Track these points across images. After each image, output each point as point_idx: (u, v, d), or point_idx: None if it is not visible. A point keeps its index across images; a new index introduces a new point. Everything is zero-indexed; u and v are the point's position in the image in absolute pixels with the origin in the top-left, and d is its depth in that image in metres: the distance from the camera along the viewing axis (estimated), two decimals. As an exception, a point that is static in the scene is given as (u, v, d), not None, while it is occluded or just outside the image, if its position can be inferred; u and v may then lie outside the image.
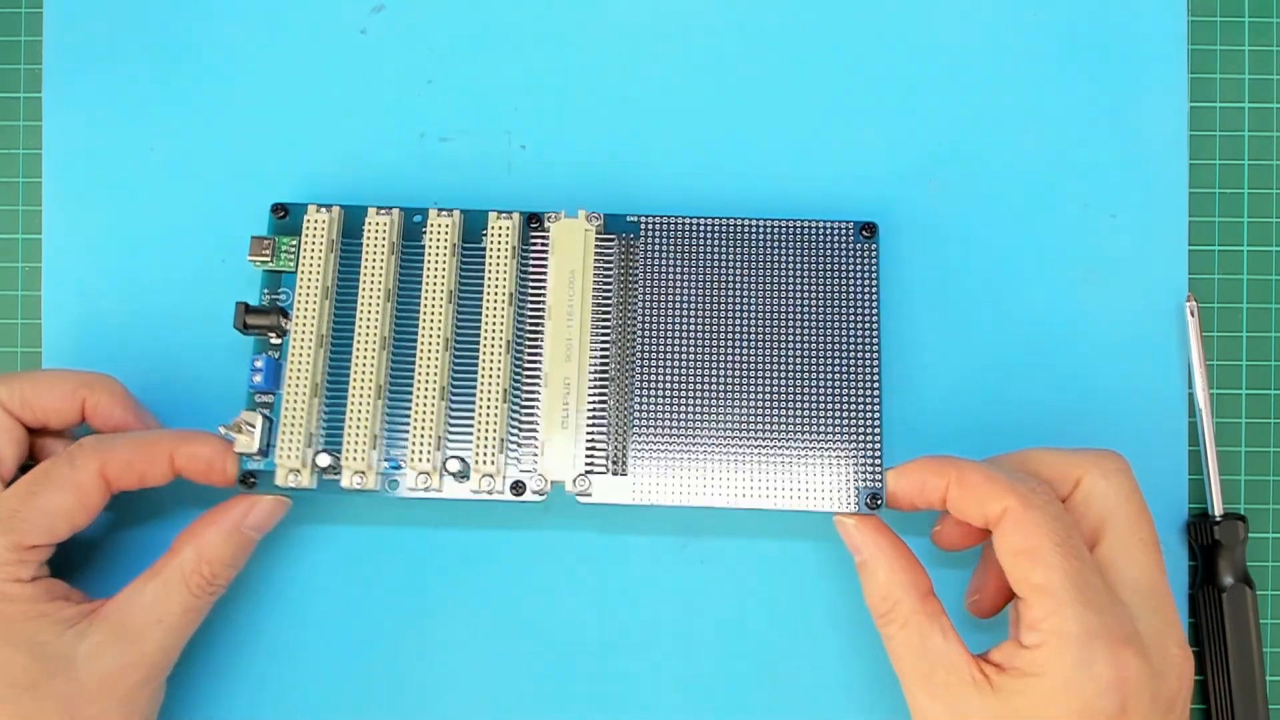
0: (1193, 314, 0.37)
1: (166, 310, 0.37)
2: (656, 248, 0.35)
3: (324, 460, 0.33)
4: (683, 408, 0.34)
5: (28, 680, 0.29)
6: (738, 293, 0.35)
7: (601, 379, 0.34)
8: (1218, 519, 0.36)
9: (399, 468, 0.33)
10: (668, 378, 0.34)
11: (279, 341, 0.34)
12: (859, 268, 0.35)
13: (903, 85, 0.38)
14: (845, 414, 0.34)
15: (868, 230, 0.35)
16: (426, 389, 0.33)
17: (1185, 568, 0.37)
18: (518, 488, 0.33)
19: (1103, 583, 0.29)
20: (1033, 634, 0.28)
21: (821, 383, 0.34)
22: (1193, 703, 0.37)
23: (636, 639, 0.36)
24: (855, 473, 0.33)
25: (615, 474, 0.34)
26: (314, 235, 0.34)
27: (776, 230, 0.35)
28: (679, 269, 0.35)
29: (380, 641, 0.36)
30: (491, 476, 0.33)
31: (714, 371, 0.34)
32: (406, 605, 0.36)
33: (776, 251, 0.35)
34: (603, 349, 0.34)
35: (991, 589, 0.33)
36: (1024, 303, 0.37)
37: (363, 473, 0.33)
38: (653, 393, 0.34)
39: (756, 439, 0.34)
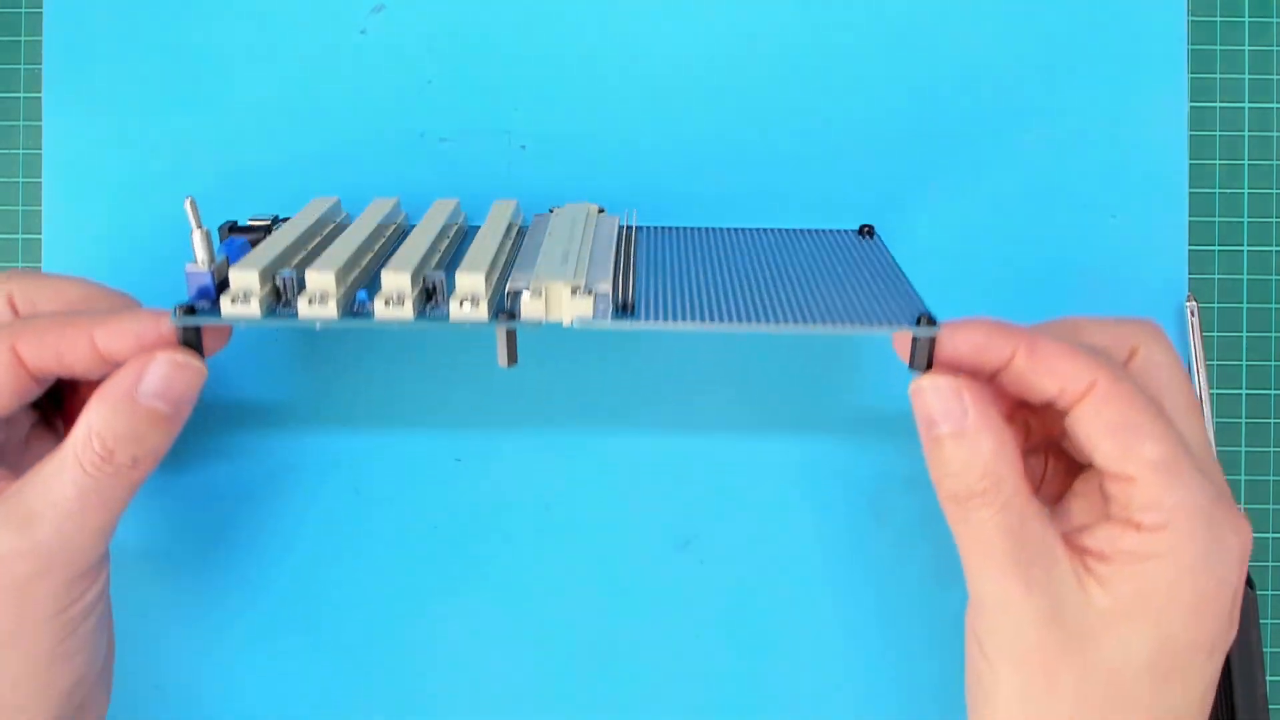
0: (1193, 314, 0.37)
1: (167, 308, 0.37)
2: (655, 249, 0.35)
3: (286, 277, 0.28)
4: (692, 264, 0.31)
5: None
6: (741, 267, 0.31)
7: (604, 243, 0.31)
8: (1218, 519, 0.36)
9: (369, 299, 0.28)
10: (674, 255, 0.32)
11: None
12: (869, 253, 0.33)
13: (903, 85, 0.38)
14: (870, 274, 0.30)
15: (866, 230, 0.35)
16: (422, 233, 0.30)
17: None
18: (506, 314, 0.28)
19: (1194, 452, 0.26)
20: (1153, 513, 0.25)
21: (842, 261, 0.31)
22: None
23: (637, 639, 0.36)
24: (894, 300, 0.29)
25: (619, 309, 0.28)
26: (314, 204, 0.33)
27: (776, 237, 0.35)
28: (681, 257, 0.33)
29: (380, 641, 0.36)
30: (476, 299, 0.28)
31: (724, 251, 0.32)
32: (406, 605, 0.37)
33: (777, 253, 0.34)
34: (607, 238, 0.32)
35: (1052, 480, 0.31)
36: (1024, 303, 0.37)
37: (324, 295, 0.28)
38: (660, 256, 0.31)
39: (777, 276, 0.30)
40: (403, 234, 0.34)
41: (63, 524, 0.28)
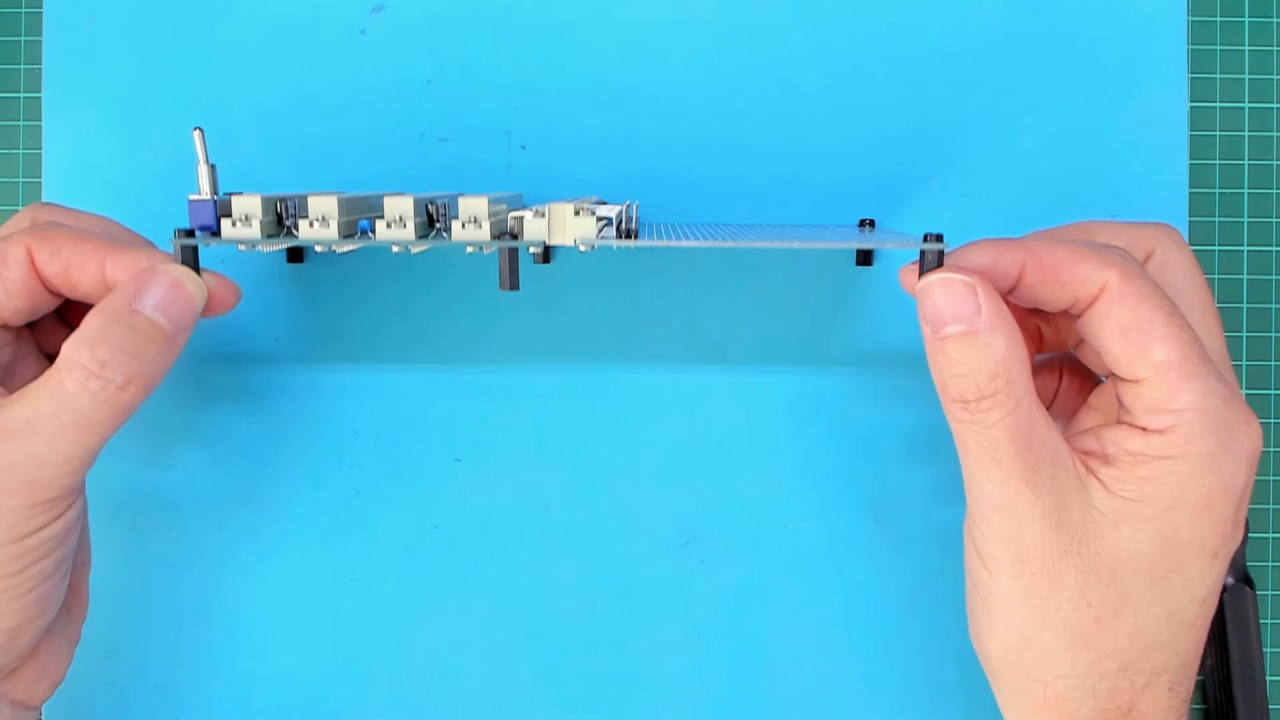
0: (1193, 314, 0.37)
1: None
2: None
3: (289, 202, 0.27)
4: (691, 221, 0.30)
5: None
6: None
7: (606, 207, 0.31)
8: (1218, 519, 0.36)
9: (370, 227, 0.28)
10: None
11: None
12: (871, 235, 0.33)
13: (903, 86, 0.38)
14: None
15: (868, 225, 0.35)
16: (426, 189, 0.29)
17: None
18: (508, 235, 0.27)
19: (1208, 353, 0.26)
20: (1161, 415, 0.25)
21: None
22: (1193, 703, 0.37)
23: (637, 639, 0.36)
24: (898, 234, 0.28)
25: (623, 235, 0.28)
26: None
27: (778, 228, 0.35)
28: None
29: (380, 641, 0.36)
30: (478, 220, 0.27)
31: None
32: (406, 605, 0.37)
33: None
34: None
35: (1068, 394, 0.30)
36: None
37: (326, 218, 0.27)
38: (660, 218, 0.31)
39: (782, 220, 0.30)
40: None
41: (33, 442, 0.26)
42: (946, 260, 0.27)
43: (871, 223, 0.35)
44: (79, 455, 0.27)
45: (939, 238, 0.27)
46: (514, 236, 0.27)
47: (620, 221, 0.28)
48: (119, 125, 0.38)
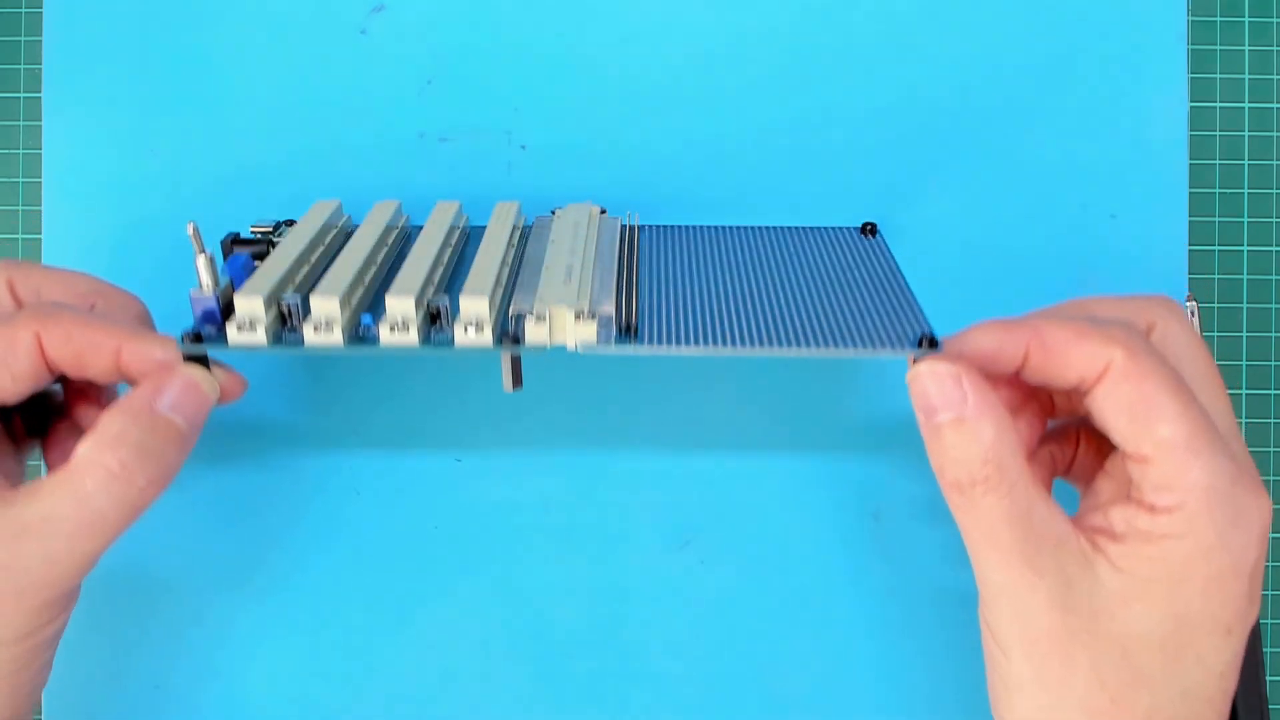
0: (1193, 314, 0.37)
1: (167, 309, 0.37)
2: (657, 256, 0.35)
3: (291, 300, 0.28)
4: (695, 280, 0.30)
5: None
6: (745, 272, 0.32)
7: (606, 258, 0.31)
8: (1218, 519, 0.36)
9: (374, 325, 0.28)
10: (677, 264, 0.31)
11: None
12: (871, 256, 0.33)
13: (904, 85, 0.38)
14: (873, 287, 0.30)
15: (869, 228, 0.35)
16: (422, 251, 0.30)
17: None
18: (510, 338, 0.28)
19: (1217, 428, 0.26)
20: (1167, 494, 0.25)
21: (843, 273, 0.31)
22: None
23: (637, 640, 0.36)
24: (898, 320, 0.28)
25: (623, 332, 0.28)
26: (315, 212, 0.33)
27: (777, 236, 0.35)
28: (681, 265, 0.34)
29: (380, 641, 0.36)
30: (480, 324, 0.27)
31: (726, 263, 0.31)
32: (406, 605, 0.37)
33: (778, 259, 0.34)
34: (609, 248, 0.32)
35: (1084, 461, 0.30)
36: (1024, 303, 0.37)
37: (330, 323, 0.27)
38: (662, 270, 0.31)
39: (781, 295, 0.30)
40: (406, 238, 0.34)
41: (52, 545, 0.26)
42: (948, 344, 0.27)
43: (874, 227, 0.35)
44: (93, 554, 0.27)
45: (933, 341, 0.27)
46: (516, 340, 0.28)
47: (621, 314, 0.28)
48: (119, 125, 0.38)
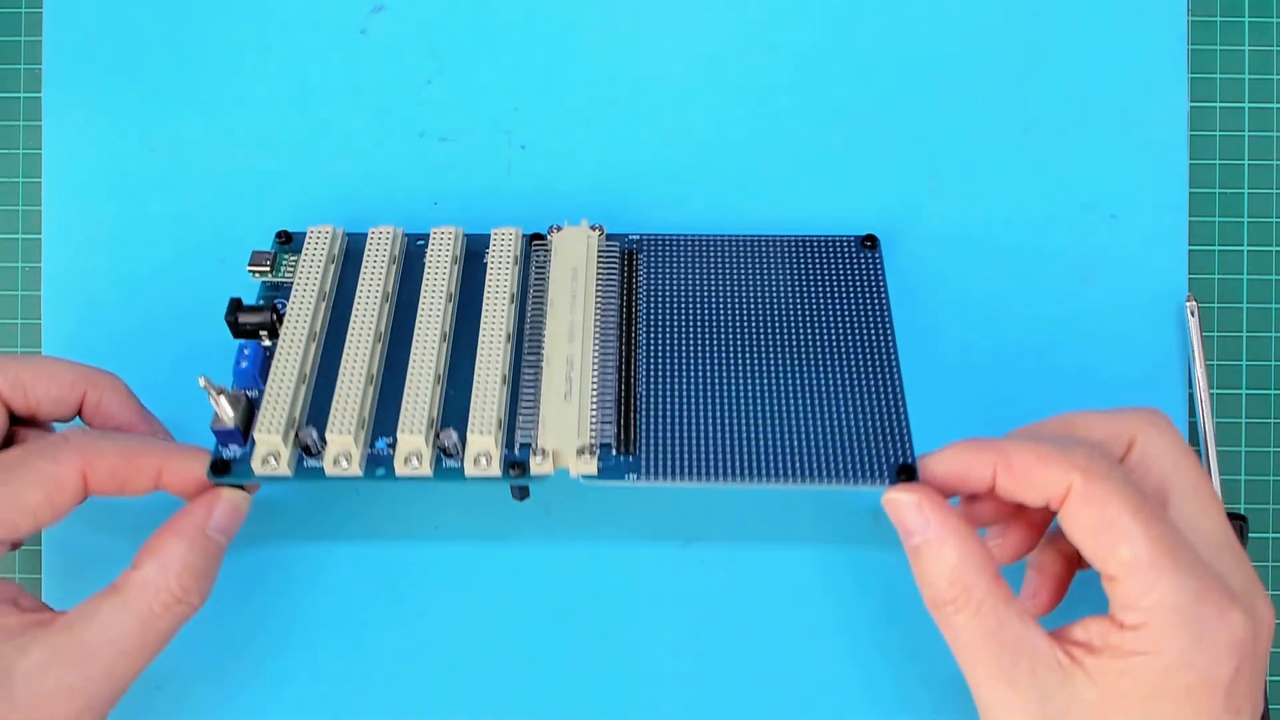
0: (1193, 314, 0.37)
1: (166, 309, 0.37)
2: (657, 265, 0.35)
3: (308, 435, 0.30)
4: (692, 388, 0.32)
5: None
6: (744, 299, 0.34)
7: (606, 358, 0.32)
8: (1218, 519, 0.36)
9: (387, 450, 0.31)
10: (675, 364, 0.32)
11: (270, 344, 0.33)
12: (864, 277, 0.34)
13: (902, 87, 0.38)
14: (865, 386, 0.32)
15: (869, 242, 0.35)
16: (422, 373, 0.31)
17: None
18: (516, 467, 0.30)
19: (1188, 543, 0.26)
20: (1133, 613, 0.26)
21: (836, 361, 0.32)
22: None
23: (637, 643, 0.36)
24: (882, 445, 0.30)
25: (622, 453, 0.30)
26: (315, 247, 0.34)
27: (779, 245, 0.35)
28: (682, 280, 0.34)
29: (381, 648, 0.36)
30: (488, 457, 0.30)
31: (724, 356, 0.32)
32: (407, 612, 0.37)
33: (779, 268, 0.34)
34: (608, 335, 0.33)
35: (1052, 577, 0.31)
36: (1024, 303, 0.37)
37: (347, 456, 0.30)
38: (660, 376, 0.32)
39: (772, 412, 0.31)
40: (409, 272, 0.34)
41: (117, 663, 0.27)
42: (922, 463, 0.29)
43: (874, 240, 0.35)
44: (144, 669, 0.28)
45: (910, 470, 0.29)
46: (522, 468, 0.30)
47: (621, 446, 0.30)
48: (119, 125, 0.38)
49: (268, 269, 0.34)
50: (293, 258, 0.35)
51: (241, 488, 0.30)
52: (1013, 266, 0.37)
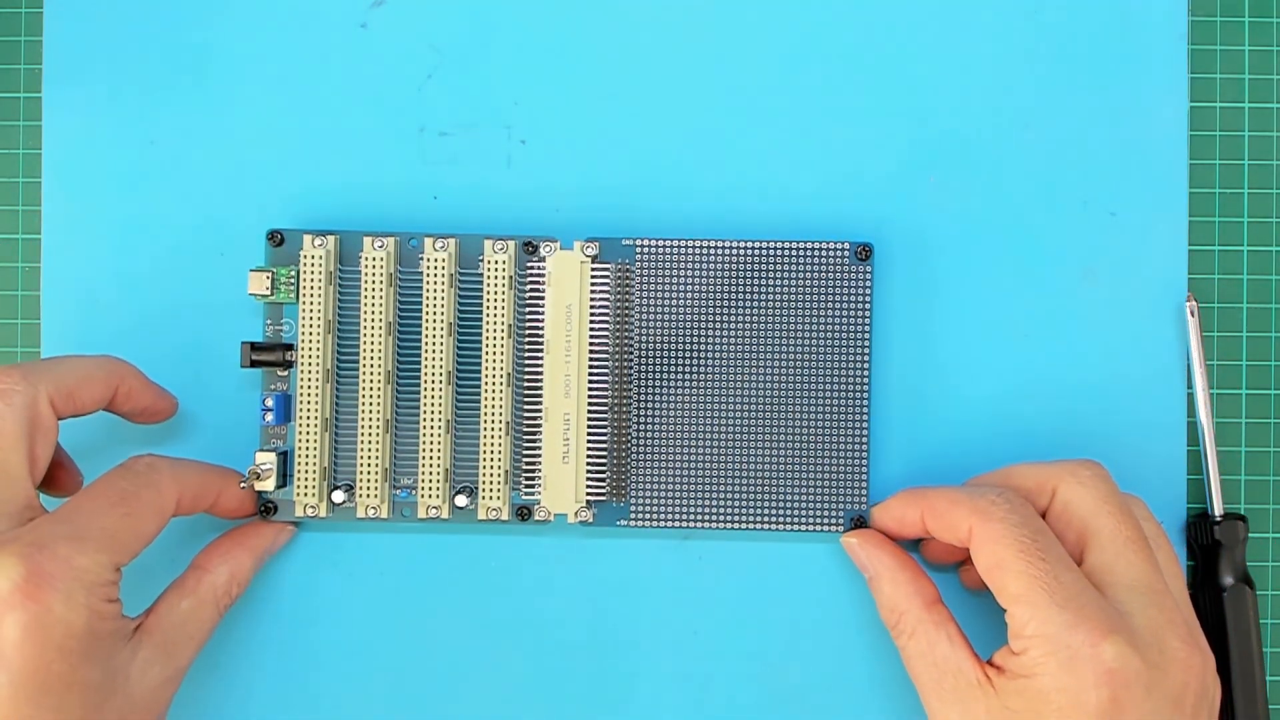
0: (1193, 314, 0.37)
1: (167, 308, 0.37)
2: (652, 273, 0.35)
3: (339, 496, 0.35)
4: (679, 437, 0.36)
5: (99, 698, 0.29)
6: (733, 319, 0.36)
7: (599, 414, 0.36)
8: (1218, 519, 0.36)
9: (409, 496, 0.35)
10: (664, 410, 0.36)
11: (285, 374, 0.36)
12: (853, 292, 0.36)
13: (902, 86, 0.38)
14: (835, 443, 0.35)
15: (863, 252, 0.35)
16: (432, 425, 0.35)
17: (1185, 568, 0.37)
18: (523, 513, 0.35)
19: (1077, 579, 0.29)
20: (1018, 640, 0.29)
21: (812, 411, 0.36)
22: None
23: (636, 639, 0.36)
24: (843, 498, 0.35)
25: (615, 502, 0.35)
26: (312, 269, 0.34)
27: (772, 252, 0.36)
28: (674, 296, 0.36)
29: (381, 644, 0.36)
30: (499, 508, 0.35)
31: (709, 402, 0.36)
32: (408, 608, 0.36)
33: (772, 274, 0.35)
34: (600, 384, 0.36)
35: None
36: (1023, 303, 0.37)
37: (375, 506, 0.35)
38: (650, 424, 0.36)
39: (750, 467, 0.36)
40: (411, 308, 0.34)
41: (192, 654, 0.32)
42: (873, 512, 0.35)
43: (868, 250, 0.35)
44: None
45: (862, 520, 0.35)
46: (528, 514, 0.35)
47: (612, 498, 0.36)
48: (119, 124, 0.38)
49: (268, 291, 0.35)
50: (290, 272, 0.35)
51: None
52: (1012, 266, 0.37)
